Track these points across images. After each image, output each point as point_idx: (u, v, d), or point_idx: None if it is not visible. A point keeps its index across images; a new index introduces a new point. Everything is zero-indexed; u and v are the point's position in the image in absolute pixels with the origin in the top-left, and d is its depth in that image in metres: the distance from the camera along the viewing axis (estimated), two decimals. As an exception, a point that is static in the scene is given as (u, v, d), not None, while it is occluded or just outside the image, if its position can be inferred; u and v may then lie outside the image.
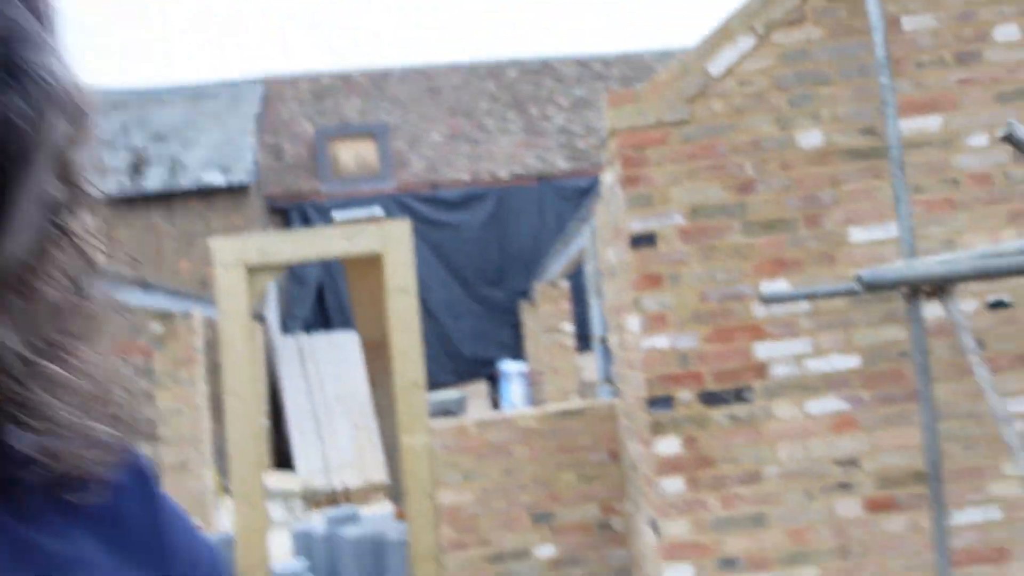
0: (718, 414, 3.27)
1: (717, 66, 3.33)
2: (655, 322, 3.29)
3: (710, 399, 3.28)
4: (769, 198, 3.32)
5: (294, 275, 14.75)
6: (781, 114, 3.33)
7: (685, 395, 3.28)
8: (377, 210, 4.05)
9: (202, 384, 8.29)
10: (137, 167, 13.03)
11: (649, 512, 3.45)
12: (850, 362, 3.28)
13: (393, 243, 4.03)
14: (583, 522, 4.09)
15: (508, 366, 15.52)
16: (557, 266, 9.13)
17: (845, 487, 3.26)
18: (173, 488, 8.12)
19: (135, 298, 6.88)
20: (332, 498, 10.62)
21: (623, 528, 4.11)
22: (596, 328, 4.47)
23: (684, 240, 3.30)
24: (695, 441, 3.27)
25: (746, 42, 3.30)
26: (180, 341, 7.96)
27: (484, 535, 4.04)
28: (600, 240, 4.10)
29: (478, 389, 15.52)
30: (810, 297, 3.20)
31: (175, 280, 12.03)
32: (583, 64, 17.15)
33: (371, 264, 4.12)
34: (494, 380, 15.66)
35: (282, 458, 12.43)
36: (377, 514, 6.20)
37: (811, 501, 3.25)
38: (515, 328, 15.89)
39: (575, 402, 4.31)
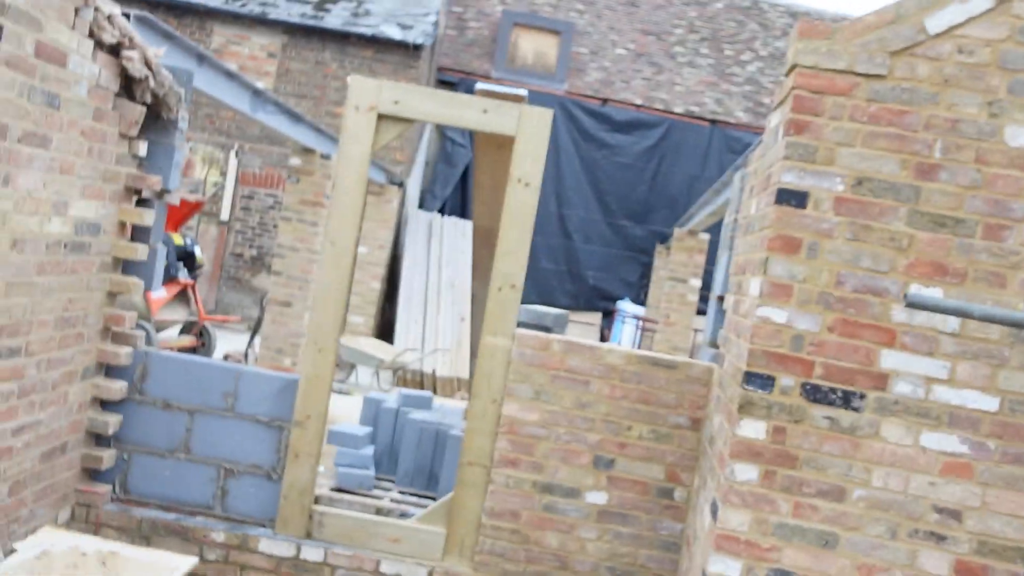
0: (818, 412, 2.91)
1: (937, 22, 2.84)
2: (778, 291, 2.93)
3: (814, 393, 2.91)
4: (950, 191, 2.85)
5: (444, 154, 14.73)
6: (995, 98, 2.83)
7: (788, 380, 2.92)
8: (522, 91, 3.77)
9: (323, 229, 8.38)
10: (323, 2, 13.10)
11: (713, 493, 3.15)
12: (987, 403, 2.84)
13: (529, 129, 3.75)
14: (644, 480, 3.83)
15: (626, 306, 15.16)
16: (701, 215, 8.65)
17: (938, 538, 2.86)
18: (273, 324, 8.33)
19: (284, 126, 6.89)
20: (419, 380, 10.72)
21: (683, 501, 3.83)
22: (717, 285, 4.11)
23: (838, 210, 2.89)
24: (784, 433, 2.93)
25: (980, 2, 2.79)
26: (313, 180, 8.01)
27: (539, 460, 3.84)
28: (747, 189, 3.71)
29: (591, 320, 15.26)
30: (964, 315, 2.75)
31: (327, 124, 12.16)
32: (795, 16, 16.05)
33: (501, 147, 3.87)
34: (609, 317, 15.36)
35: (384, 329, 12.65)
36: (450, 407, 6.12)
37: (894, 540, 2.88)
38: (645, 270, 15.45)
39: (670, 356, 3.99)
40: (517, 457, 3.87)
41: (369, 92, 3.81)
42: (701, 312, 11.06)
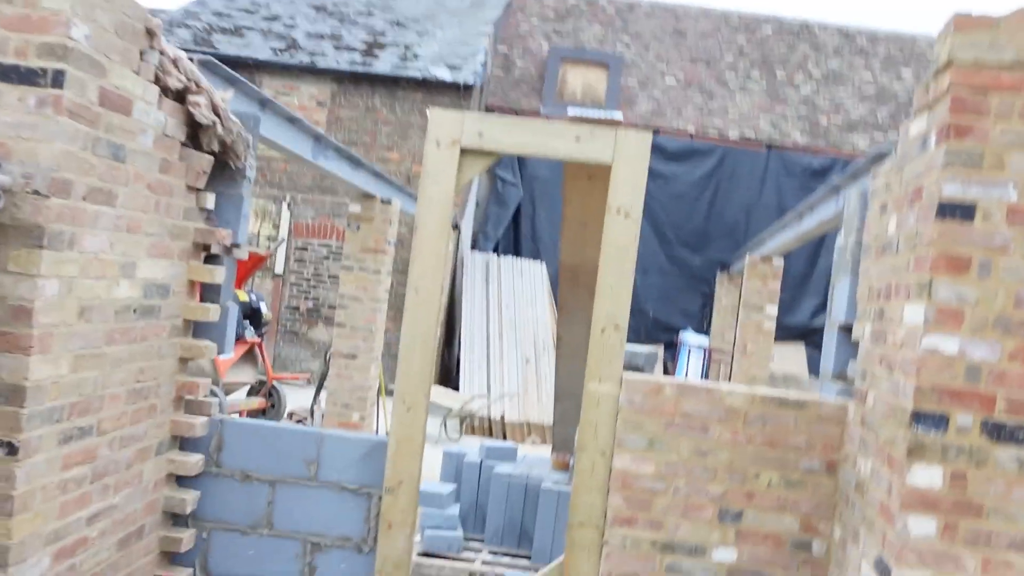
0: (1004, 453, 2.51)
1: (1117, 1, 2.48)
2: (947, 318, 2.55)
3: (998, 432, 2.52)
4: None
5: (496, 195, 14.51)
6: None
7: (965, 419, 2.53)
8: (617, 114, 3.46)
9: (386, 277, 8.09)
10: (371, 48, 13.06)
11: (877, 550, 2.75)
12: None
13: (627, 155, 3.43)
14: (777, 534, 3.43)
15: (690, 337, 14.75)
16: (781, 239, 8.24)
17: None
18: (338, 377, 8.04)
19: (344, 171, 6.66)
20: (487, 427, 10.37)
21: (823, 554, 3.41)
22: (837, 312, 3.72)
23: (1012, 221, 2.52)
24: (964, 479, 2.53)
25: None
26: (374, 227, 7.75)
27: (658, 517, 3.46)
28: (875, 206, 3.34)
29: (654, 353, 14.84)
30: None
31: (381, 168, 12.01)
32: (846, 35, 15.68)
33: (593, 177, 3.55)
34: (672, 348, 14.97)
35: (444, 375, 12.33)
36: (534, 456, 5.77)
37: (1107, 596, 2.46)
38: (706, 299, 15.06)
39: (797, 392, 3.60)
40: (633, 515, 3.49)
41: (451, 125, 3.53)
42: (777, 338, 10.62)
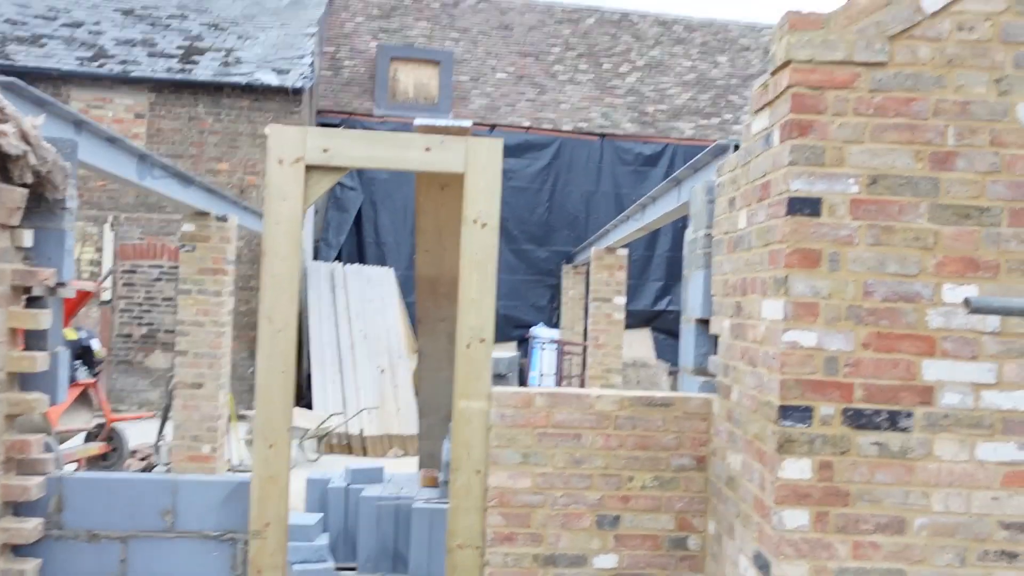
0: (865, 439, 2.61)
1: (932, 0, 2.61)
2: (803, 312, 2.62)
3: (858, 419, 2.61)
4: (970, 178, 2.62)
5: (335, 200, 14.15)
6: (1002, 75, 2.62)
7: (827, 409, 2.61)
8: (466, 122, 3.37)
9: (229, 298, 7.68)
10: (189, 54, 12.38)
11: (753, 545, 2.80)
12: (1045, 402, 2.60)
13: (479, 163, 3.35)
14: (654, 534, 3.46)
15: (541, 332, 14.88)
16: (625, 231, 8.42)
17: (1010, 557, 2.60)
18: (184, 409, 7.59)
19: (174, 190, 6.23)
20: (347, 444, 10.09)
21: (699, 549, 3.47)
22: (692, 307, 3.79)
23: (856, 213, 2.61)
24: (830, 468, 2.61)
25: (986, -29, 2.57)
26: (211, 246, 7.31)
27: (537, 531, 3.42)
28: (724, 201, 3.41)
29: (507, 351, 14.93)
30: (1006, 313, 2.51)
31: (212, 181, 11.46)
32: (664, 25, 16.25)
33: (445, 187, 3.46)
34: (524, 344, 15.07)
35: (296, 394, 11.91)
36: (403, 475, 5.62)
37: (964, 567, 2.60)
38: (554, 292, 15.27)
39: (663, 392, 3.64)
40: (512, 532, 3.43)
41: (293, 142, 3.34)
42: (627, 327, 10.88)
